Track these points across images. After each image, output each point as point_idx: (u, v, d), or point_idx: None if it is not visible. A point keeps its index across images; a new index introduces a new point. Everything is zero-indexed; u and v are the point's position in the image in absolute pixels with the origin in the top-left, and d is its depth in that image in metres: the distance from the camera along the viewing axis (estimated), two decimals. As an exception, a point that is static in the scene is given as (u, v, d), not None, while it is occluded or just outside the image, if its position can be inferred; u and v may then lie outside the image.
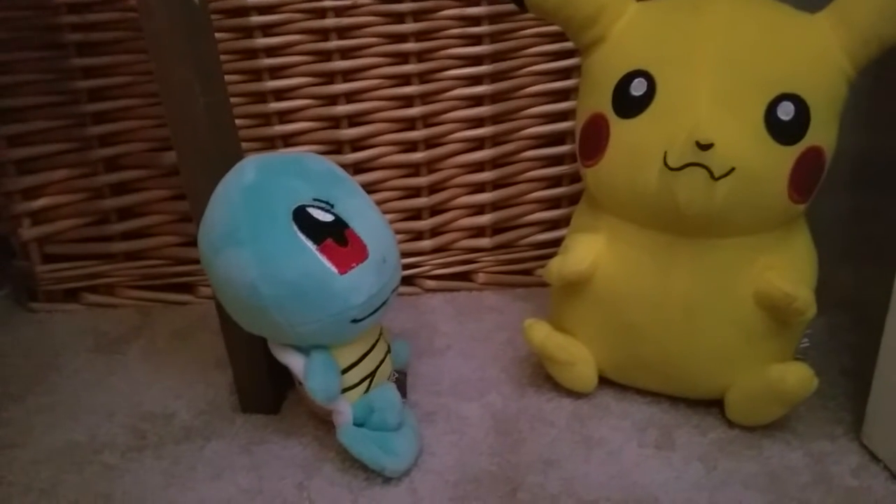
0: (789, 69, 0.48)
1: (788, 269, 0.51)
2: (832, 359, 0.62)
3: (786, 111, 0.47)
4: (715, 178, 0.46)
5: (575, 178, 0.76)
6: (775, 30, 0.49)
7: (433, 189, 0.76)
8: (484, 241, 0.78)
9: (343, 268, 0.48)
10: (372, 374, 0.53)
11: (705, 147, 0.46)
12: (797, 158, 0.48)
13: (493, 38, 0.70)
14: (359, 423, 0.51)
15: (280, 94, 0.71)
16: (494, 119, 0.73)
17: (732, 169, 0.46)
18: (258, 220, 0.47)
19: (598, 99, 0.52)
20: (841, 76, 0.49)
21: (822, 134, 0.49)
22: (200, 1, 0.50)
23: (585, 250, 0.55)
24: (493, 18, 0.69)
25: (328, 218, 0.49)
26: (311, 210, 0.48)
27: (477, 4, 0.68)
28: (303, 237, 0.47)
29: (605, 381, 0.59)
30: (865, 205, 0.79)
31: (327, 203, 0.50)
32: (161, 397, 0.62)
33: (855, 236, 0.79)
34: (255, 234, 0.46)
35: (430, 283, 0.79)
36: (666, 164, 0.48)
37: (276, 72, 0.70)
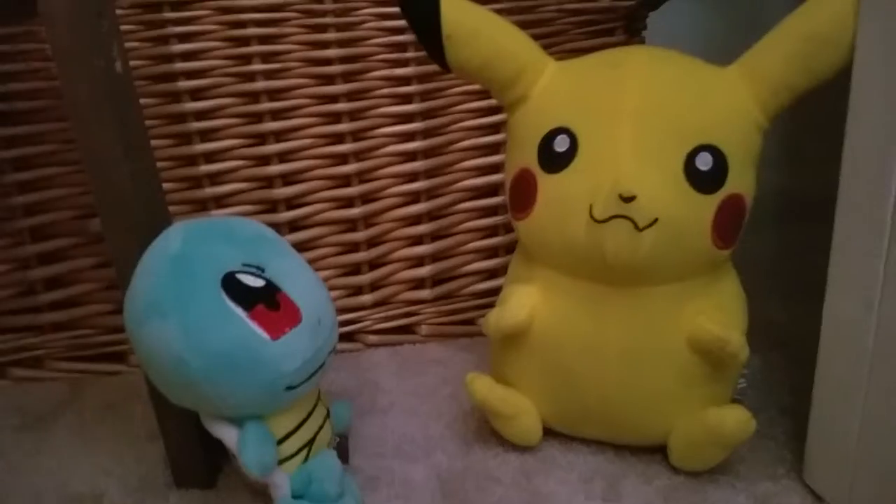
0: (705, 121, 0.50)
1: (718, 313, 0.52)
2: (771, 398, 0.63)
3: (704, 161, 0.49)
4: (639, 229, 0.47)
5: (510, 227, 0.76)
6: (691, 84, 0.51)
7: (371, 243, 0.75)
8: (424, 293, 0.78)
9: (275, 333, 0.46)
10: (310, 443, 0.52)
11: (628, 199, 0.46)
12: (718, 206, 0.49)
13: (423, 96, 0.71)
14: (298, 495, 0.50)
15: (211, 157, 0.70)
16: (428, 173, 0.74)
17: (656, 219, 0.47)
18: (184, 290, 0.46)
19: (524, 155, 0.53)
20: (754, 126, 0.51)
21: (741, 181, 0.50)
22: (123, 68, 0.50)
23: (521, 302, 0.55)
24: (421, 78, 0.71)
25: (259, 283, 0.48)
26: (240, 276, 0.47)
27: (406, 66, 0.70)
28: (232, 305, 0.46)
29: (550, 433, 0.58)
30: (791, 242, 0.82)
31: (257, 267, 0.49)
32: (90, 476, 0.58)
33: (783, 274, 0.82)
34: (181, 305, 0.45)
35: (372, 338, 0.78)
36: (592, 216, 0.48)
37: (206, 135, 0.69)
